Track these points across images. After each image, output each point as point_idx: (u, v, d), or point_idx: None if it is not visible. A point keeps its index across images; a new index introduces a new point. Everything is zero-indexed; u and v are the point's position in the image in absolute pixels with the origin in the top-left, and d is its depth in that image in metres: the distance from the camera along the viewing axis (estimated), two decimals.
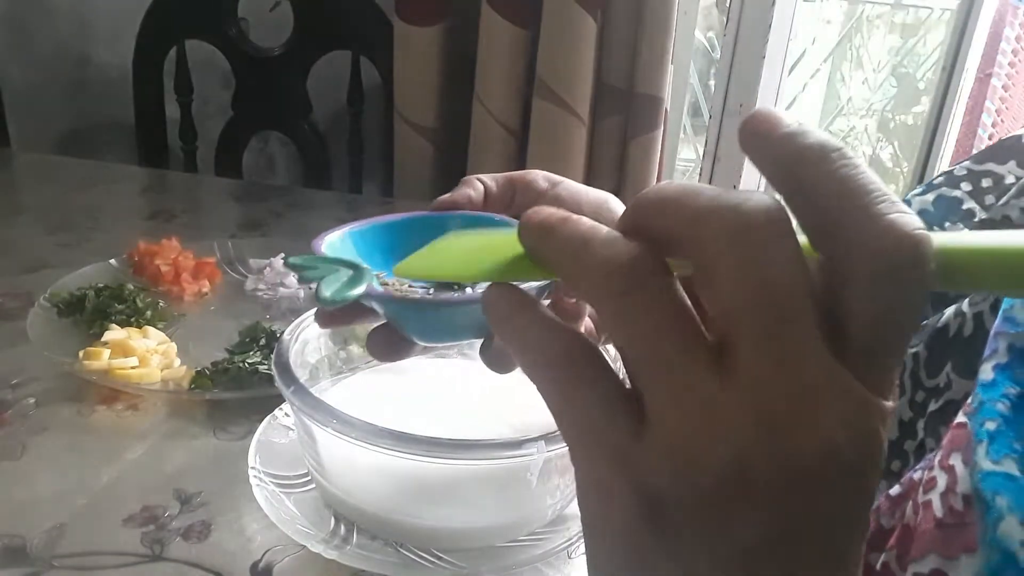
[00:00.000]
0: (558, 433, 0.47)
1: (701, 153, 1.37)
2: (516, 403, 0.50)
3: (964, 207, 0.57)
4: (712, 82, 1.48)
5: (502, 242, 0.27)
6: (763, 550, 0.21)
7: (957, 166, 0.61)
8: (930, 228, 0.66)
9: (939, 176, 0.62)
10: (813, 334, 0.20)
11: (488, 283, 0.26)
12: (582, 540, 0.53)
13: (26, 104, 1.57)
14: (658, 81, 1.12)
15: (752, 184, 1.37)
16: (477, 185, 0.48)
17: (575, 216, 0.24)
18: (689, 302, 0.22)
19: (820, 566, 0.22)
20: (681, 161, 1.65)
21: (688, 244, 0.21)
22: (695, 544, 0.22)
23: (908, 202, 0.62)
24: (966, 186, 0.59)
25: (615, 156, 1.19)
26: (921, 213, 0.60)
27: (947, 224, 0.58)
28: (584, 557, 0.55)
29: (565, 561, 0.53)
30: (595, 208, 0.48)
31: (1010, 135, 0.60)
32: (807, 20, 1.96)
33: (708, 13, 1.74)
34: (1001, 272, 0.21)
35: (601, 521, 0.24)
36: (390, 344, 0.37)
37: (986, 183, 0.57)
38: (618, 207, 0.49)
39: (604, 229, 0.23)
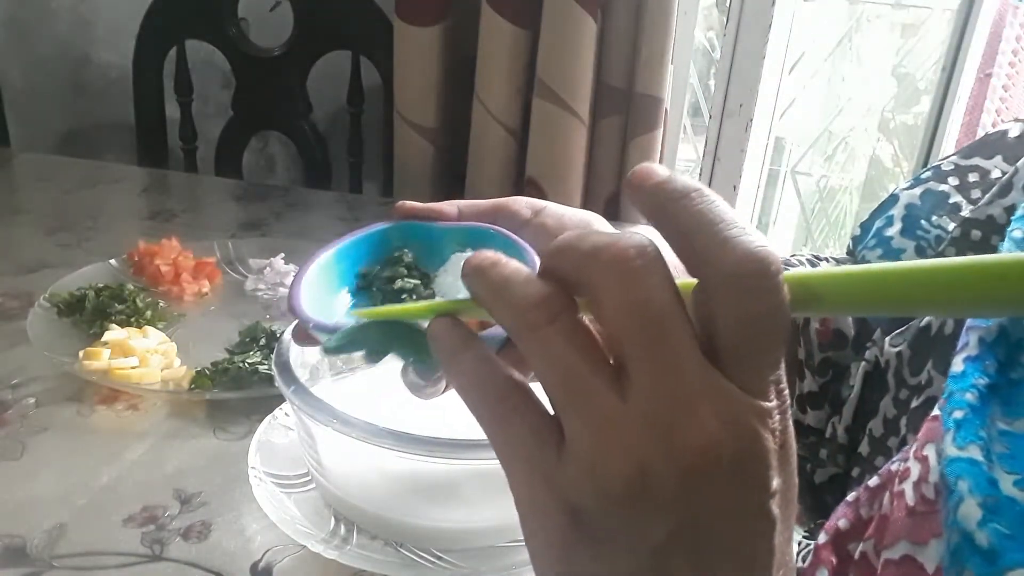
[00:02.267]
0: None
1: (701, 153, 1.37)
2: None
3: (951, 201, 0.57)
4: (712, 82, 1.48)
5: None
6: (671, 544, 0.24)
7: (944, 161, 0.61)
8: (917, 222, 0.66)
9: (926, 171, 0.62)
10: (688, 345, 0.24)
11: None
12: None
13: (26, 104, 1.57)
14: (658, 81, 1.12)
15: (752, 184, 1.37)
16: (454, 207, 0.48)
17: (504, 260, 0.27)
18: (592, 334, 0.25)
19: (728, 559, 0.25)
20: (681, 161, 1.65)
21: (580, 282, 0.25)
22: (614, 545, 0.25)
23: (896, 196, 0.62)
24: (953, 180, 0.59)
25: (615, 156, 1.19)
26: (908, 207, 0.61)
27: (934, 218, 0.58)
28: None
29: None
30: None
31: (996, 129, 0.60)
32: (807, 20, 1.96)
33: (708, 13, 1.74)
34: (843, 294, 0.25)
35: (538, 535, 0.27)
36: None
37: (973, 178, 0.58)
38: (601, 226, 0.49)
39: (524, 272, 0.26)
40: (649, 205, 0.26)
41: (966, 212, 0.56)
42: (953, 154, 0.62)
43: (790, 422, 0.25)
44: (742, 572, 0.25)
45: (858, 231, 0.66)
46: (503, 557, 0.51)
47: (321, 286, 0.41)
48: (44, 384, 0.67)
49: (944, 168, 0.60)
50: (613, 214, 1.20)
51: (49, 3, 1.51)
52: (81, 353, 0.68)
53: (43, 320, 0.74)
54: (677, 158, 1.43)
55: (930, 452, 0.31)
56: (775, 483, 0.24)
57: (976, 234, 0.53)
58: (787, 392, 0.25)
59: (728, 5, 1.26)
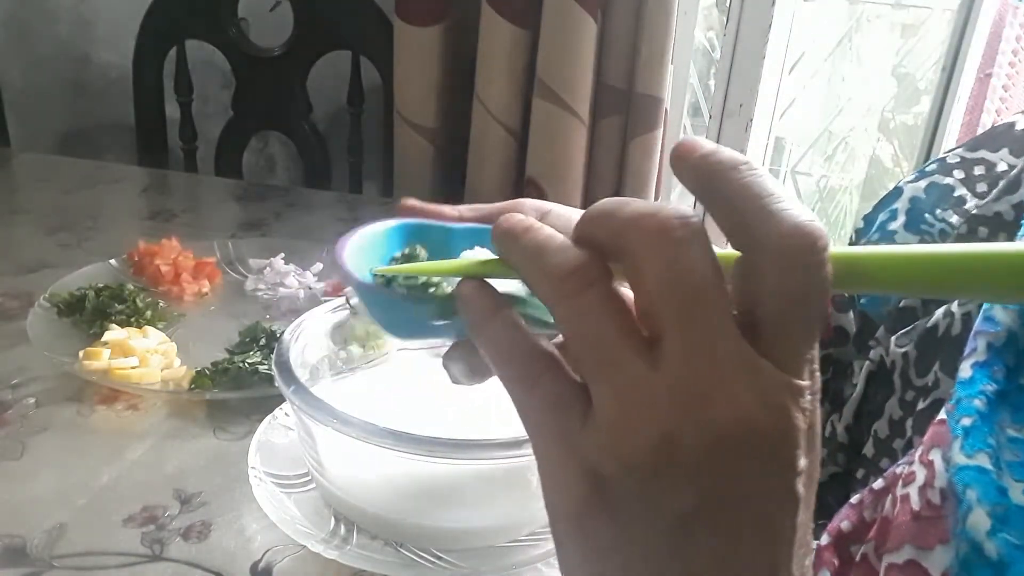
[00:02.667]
0: None
1: None
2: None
3: (956, 194, 0.57)
4: (712, 82, 1.48)
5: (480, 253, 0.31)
6: (694, 516, 0.24)
7: (950, 153, 0.61)
8: (921, 216, 0.66)
9: (931, 163, 0.62)
10: (726, 319, 0.24)
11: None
12: None
13: (26, 104, 1.57)
14: (658, 81, 1.12)
15: None
16: (457, 211, 0.48)
17: (537, 225, 0.27)
18: (626, 303, 0.25)
19: (750, 533, 0.24)
20: None
21: (619, 249, 0.25)
22: (635, 515, 0.24)
23: (900, 189, 0.62)
24: (959, 173, 0.59)
25: (615, 156, 1.19)
26: (913, 200, 0.60)
27: (938, 211, 0.58)
28: None
29: None
30: None
31: (1003, 121, 0.60)
32: (807, 20, 1.96)
33: (708, 13, 1.74)
34: (888, 274, 0.25)
35: (558, 503, 0.27)
36: (471, 367, 0.40)
37: (978, 171, 0.57)
38: None
39: (559, 239, 0.26)
40: (694, 176, 0.26)
41: (971, 206, 0.55)
42: (959, 146, 0.61)
43: (819, 403, 0.25)
44: (764, 549, 0.25)
45: (861, 224, 0.66)
46: (503, 557, 0.51)
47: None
48: (44, 384, 0.67)
49: (949, 161, 0.60)
50: None
51: (49, 3, 1.51)
52: (81, 353, 0.68)
53: (43, 320, 0.74)
54: None
55: (936, 457, 0.31)
56: (802, 463, 0.24)
57: (983, 231, 0.53)
58: (819, 372, 0.25)
59: (728, 5, 1.26)
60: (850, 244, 0.67)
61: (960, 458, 0.29)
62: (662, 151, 1.18)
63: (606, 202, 0.26)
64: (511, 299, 0.34)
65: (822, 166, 2.17)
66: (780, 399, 0.24)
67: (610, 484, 0.24)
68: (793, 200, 0.24)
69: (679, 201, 1.76)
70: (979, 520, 0.27)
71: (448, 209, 0.49)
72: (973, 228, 0.53)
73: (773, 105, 1.33)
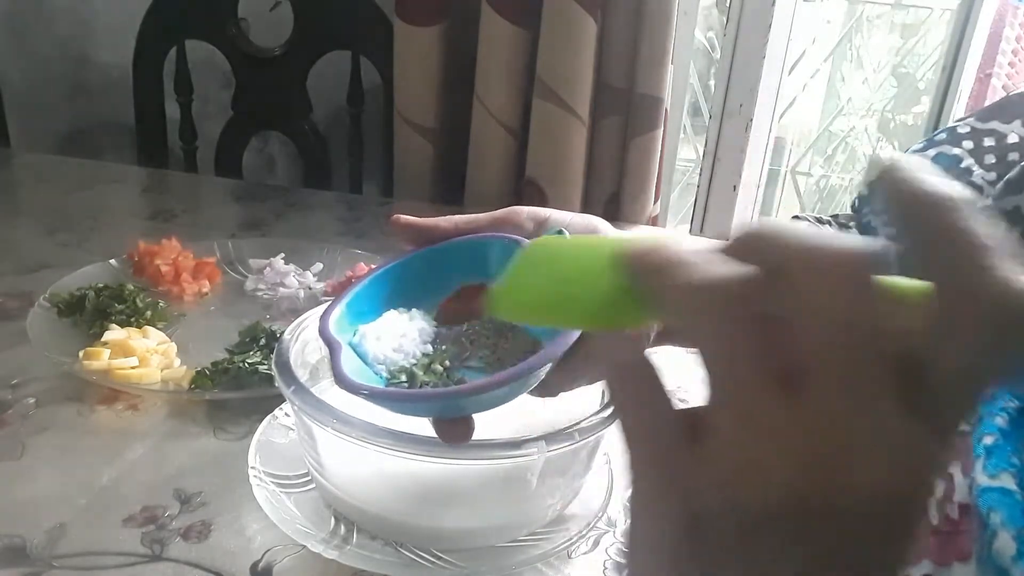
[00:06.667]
0: (558, 433, 0.48)
1: (701, 153, 1.37)
2: (516, 403, 0.50)
3: (962, 165, 0.56)
4: (712, 82, 1.48)
5: (588, 273, 0.28)
6: (801, 562, 0.21)
7: (960, 123, 0.60)
8: None
9: (941, 132, 0.61)
10: (888, 379, 0.21)
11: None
12: (582, 540, 0.53)
13: (26, 104, 1.57)
14: (658, 81, 1.12)
15: (752, 184, 1.37)
16: (451, 223, 0.49)
17: (683, 252, 0.24)
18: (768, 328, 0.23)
19: None
20: (681, 161, 1.65)
21: (781, 272, 0.22)
22: (730, 562, 0.22)
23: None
24: (968, 144, 0.58)
25: (615, 156, 1.19)
26: None
27: None
28: (584, 557, 0.55)
29: (565, 561, 0.53)
30: None
31: (1018, 91, 0.59)
32: (807, 20, 1.96)
33: (708, 13, 1.74)
34: None
35: (645, 540, 0.24)
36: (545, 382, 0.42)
37: (988, 142, 0.57)
38: (607, 229, 0.49)
39: (705, 252, 0.24)
40: (907, 202, 0.23)
41: (977, 176, 0.55)
42: (970, 115, 0.61)
43: None
44: None
45: (865, 191, 0.66)
46: (503, 557, 0.51)
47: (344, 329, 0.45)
48: (44, 384, 0.67)
49: (960, 131, 0.59)
50: (613, 214, 1.20)
51: (49, 3, 1.51)
52: (81, 353, 0.68)
53: (43, 320, 0.74)
54: (677, 158, 1.43)
55: (955, 471, 0.30)
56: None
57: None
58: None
59: (728, 5, 1.26)
60: (852, 209, 0.68)
61: (983, 479, 0.28)
62: (662, 151, 1.18)
63: (766, 224, 0.23)
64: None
65: (822, 166, 2.17)
66: (925, 475, 0.21)
67: (711, 521, 0.22)
68: (1014, 260, 0.21)
69: (678, 201, 1.76)
70: (1005, 545, 0.26)
71: (443, 222, 0.49)
72: None
73: (773, 105, 1.32)
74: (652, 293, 0.24)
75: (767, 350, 0.22)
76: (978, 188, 0.57)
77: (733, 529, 0.22)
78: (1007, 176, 0.53)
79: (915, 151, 0.62)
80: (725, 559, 0.22)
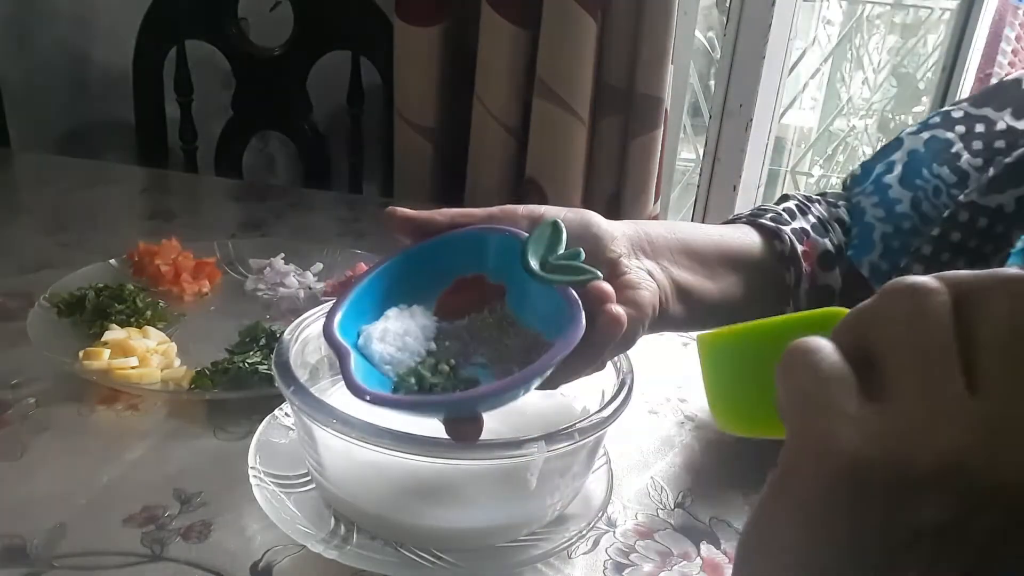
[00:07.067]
0: (558, 433, 0.48)
1: (701, 153, 1.37)
2: (516, 403, 0.50)
3: (953, 150, 0.58)
4: (712, 82, 1.48)
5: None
6: (939, 532, 0.24)
7: (955, 107, 0.61)
8: (918, 171, 0.67)
9: (935, 115, 0.62)
10: None
11: None
12: (582, 540, 0.53)
13: (26, 104, 1.57)
14: (658, 81, 1.12)
15: (752, 184, 1.37)
16: (447, 216, 0.49)
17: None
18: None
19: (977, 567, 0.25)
20: (681, 161, 1.65)
21: (977, 298, 0.26)
22: (878, 513, 0.25)
23: (901, 140, 0.62)
24: (960, 129, 0.59)
25: (615, 156, 1.19)
26: (911, 154, 0.61)
27: (934, 166, 0.59)
28: (583, 557, 0.55)
29: (565, 561, 0.53)
30: (580, 231, 0.49)
31: (1012, 76, 0.60)
32: (807, 20, 1.95)
33: (708, 13, 1.74)
34: None
35: (801, 477, 0.26)
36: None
37: (979, 128, 0.58)
38: (600, 222, 0.50)
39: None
40: None
41: (964, 162, 0.56)
42: (964, 100, 0.62)
43: None
44: None
45: (858, 171, 0.66)
46: (503, 557, 0.51)
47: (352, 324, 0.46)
48: (44, 384, 0.67)
49: (954, 115, 0.60)
50: (613, 214, 1.20)
51: (49, 3, 1.51)
52: (81, 353, 0.68)
53: (43, 320, 0.74)
54: (677, 158, 1.43)
55: None
56: None
57: (982, 222, 0.53)
58: None
59: (728, 5, 1.26)
60: (844, 187, 0.68)
61: None
62: (662, 151, 1.18)
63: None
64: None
65: (822, 166, 2.17)
66: None
67: (872, 471, 0.24)
68: None
69: (678, 201, 1.76)
70: None
71: (438, 215, 0.49)
72: (973, 218, 0.53)
73: (773, 105, 1.32)
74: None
75: (952, 341, 0.25)
76: (965, 174, 0.57)
77: (892, 476, 0.24)
78: (992, 174, 0.54)
79: (909, 133, 0.62)
80: (877, 507, 0.25)
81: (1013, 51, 1.64)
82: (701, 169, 1.36)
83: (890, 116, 2.08)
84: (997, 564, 0.25)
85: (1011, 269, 0.26)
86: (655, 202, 1.21)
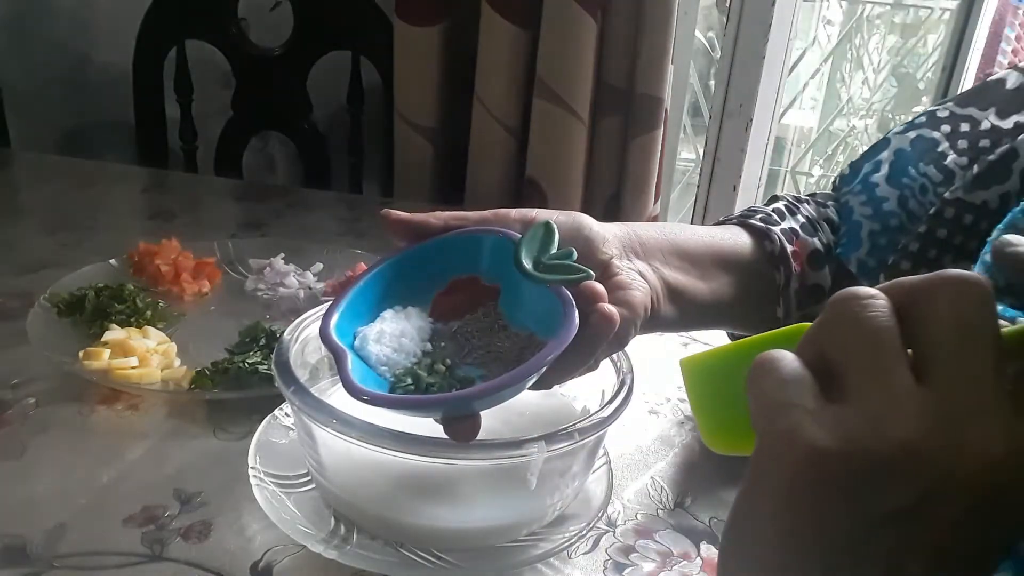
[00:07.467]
0: (558, 433, 0.48)
1: (701, 153, 1.37)
2: (516, 403, 0.50)
3: (939, 149, 0.59)
4: (712, 82, 1.48)
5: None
6: (890, 524, 0.26)
7: (940, 107, 0.62)
8: (905, 169, 0.69)
9: (921, 115, 0.63)
10: (996, 370, 0.26)
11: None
12: (582, 540, 0.53)
13: (26, 104, 1.57)
14: (658, 81, 1.12)
15: (752, 184, 1.37)
16: (438, 219, 0.50)
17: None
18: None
19: (950, 566, 0.26)
20: (681, 161, 1.65)
21: (917, 293, 0.28)
22: (841, 504, 0.26)
23: (888, 140, 0.63)
24: (945, 128, 0.60)
25: (615, 156, 1.19)
26: (898, 153, 0.62)
27: (921, 165, 0.59)
28: (583, 558, 0.55)
29: (565, 561, 0.53)
30: (572, 233, 0.49)
31: (996, 77, 0.60)
32: (807, 20, 1.96)
33: (708, 13, 1.74)
34: None
35: (769, 472, 0.28)
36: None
37: (964, 127, 0.59)
38: (591, 224, 0.51)
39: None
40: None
41: (950, 161, 0.57)
42: (950, 99, 0.63)
43: None
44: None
45: (847, 171, 0.67)
46: (503, 557, 0.51)
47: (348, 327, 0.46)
48: (44, 384, 0.67)
49: (939, 115, 0.61)
50: (613, 214, 1.20)
51: (49, 3, 1.51)
52: (81, 353, 0.68)
53: (43, 320, 0.74)
54: (677, 158, 1.43)
55: None
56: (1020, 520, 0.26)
57: (968, 218, 0.54)
58: None
59: (728, 5, 1.26)
60: (833, 188, 0.68)
61: None
62: (662, 151, 1.18)
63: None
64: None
65: (822, 166, 2.17)
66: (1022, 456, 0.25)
67: (831, 462, 0.26)
68: None
69: (678, 201, 1.76)
70: None
71: (433, 219, 0.49)
72: (959, 215, 0.54)
73: (773, 105, 1.33)
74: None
75: (898, 337, 0.27)
76: (951, 172, 0.57)
77: (856, 465, 0.26)
78: (976, 171, 0.54)
79: (896, 133, 0.63)
80: (841, 495, 0.26)
81: (1013, 51, 1.64)
82: (701, 169, 1.36)
83: (890, 116, 2.08)
84: (962, 548, 0.26)
85: (954, 270, 0.27)
86: (655, 202, 1.21)
